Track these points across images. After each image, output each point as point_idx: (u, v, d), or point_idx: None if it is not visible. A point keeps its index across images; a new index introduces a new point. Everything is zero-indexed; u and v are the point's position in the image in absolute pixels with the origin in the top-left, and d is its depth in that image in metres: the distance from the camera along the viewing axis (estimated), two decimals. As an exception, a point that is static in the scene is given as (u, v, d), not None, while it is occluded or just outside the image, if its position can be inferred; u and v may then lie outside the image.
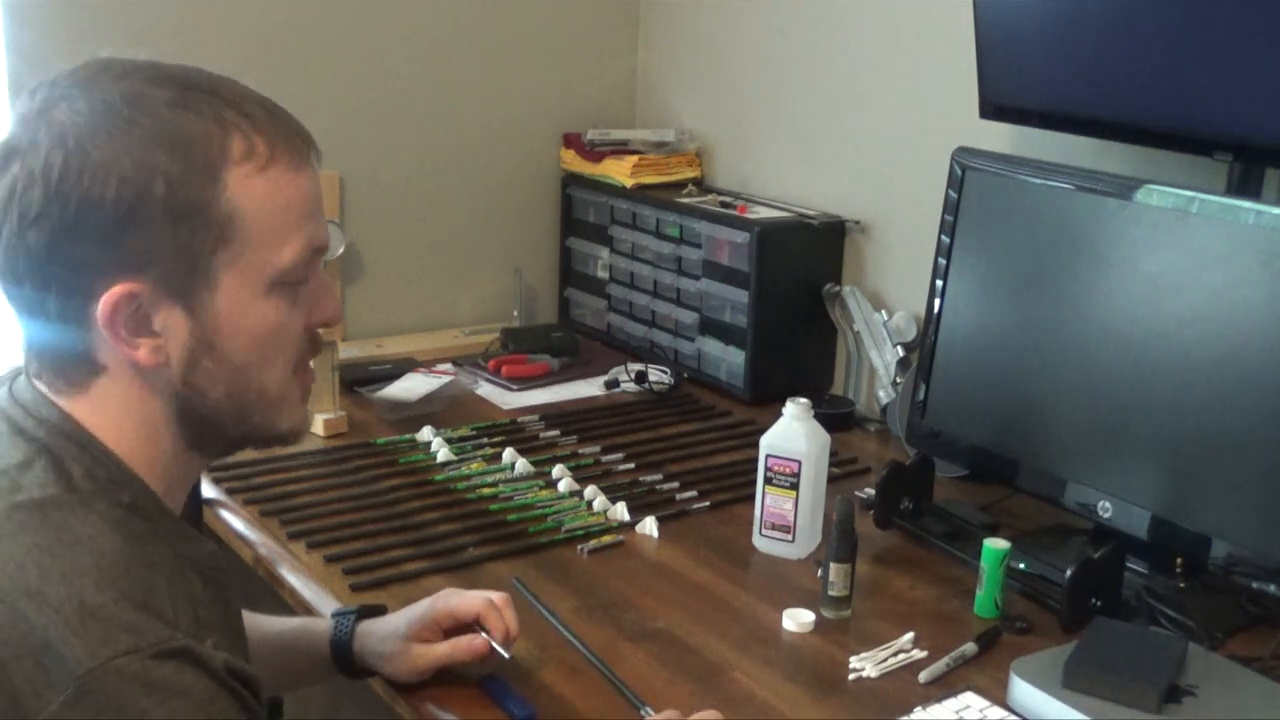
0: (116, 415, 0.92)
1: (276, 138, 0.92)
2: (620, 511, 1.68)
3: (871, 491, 1.70)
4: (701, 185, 2.46)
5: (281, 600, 1.52)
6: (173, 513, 0.96)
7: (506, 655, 1.24)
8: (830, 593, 1.44)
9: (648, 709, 1.22)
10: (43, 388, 0.94)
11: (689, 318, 2.29)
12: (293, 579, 1.50)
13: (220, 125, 0.89)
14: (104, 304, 0.87)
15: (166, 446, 0.95)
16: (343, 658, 1.28)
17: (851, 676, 1.32)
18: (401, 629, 1.27)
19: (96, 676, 0.79)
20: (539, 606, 1.38)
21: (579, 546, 1.59)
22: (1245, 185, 1.56)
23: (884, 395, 2.06)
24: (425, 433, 1.93)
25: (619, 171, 2.41)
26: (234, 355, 0.92)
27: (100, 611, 0.81)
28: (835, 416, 2.03)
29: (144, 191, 0.86)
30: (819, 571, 1.54)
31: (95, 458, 0.91)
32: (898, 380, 2.01)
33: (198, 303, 0.90)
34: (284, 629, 1.33)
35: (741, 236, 2.14)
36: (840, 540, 1.43)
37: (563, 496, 1.74)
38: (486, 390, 2.19)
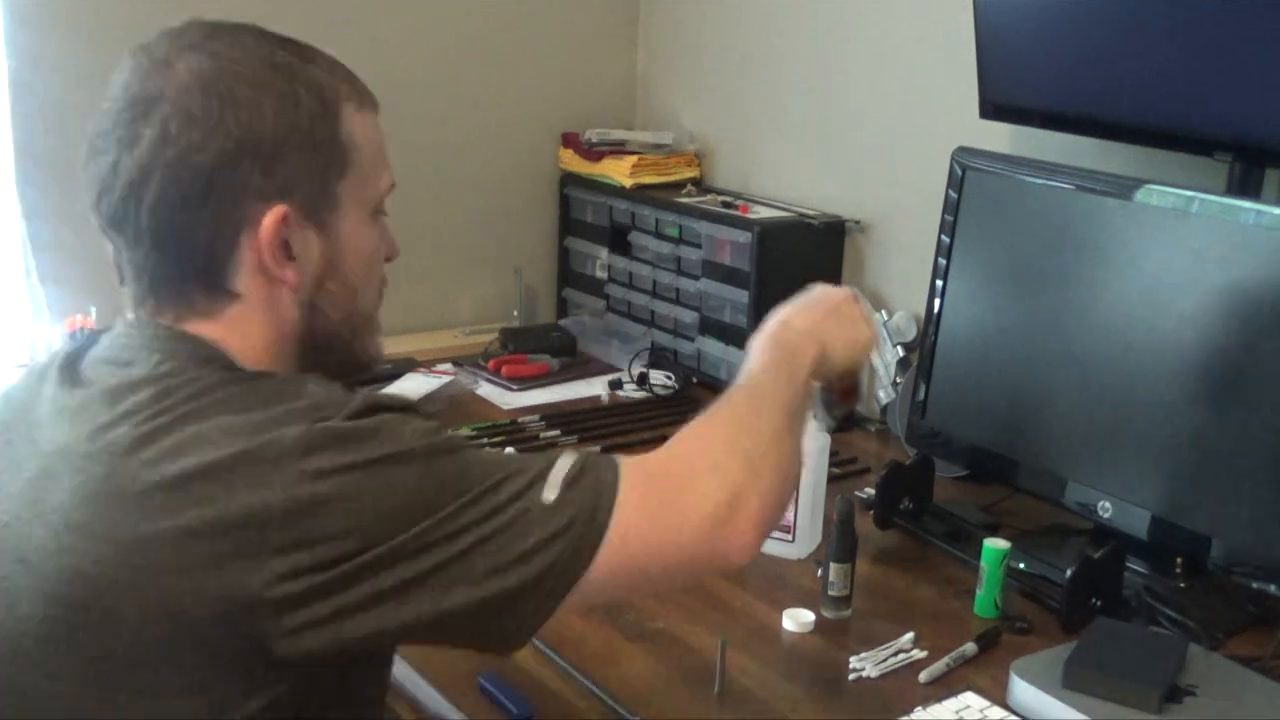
0: (250, 338, 0.98)
1: (362, 87, 1.04)
2: (620, 511, 1.68)
3: (871, 491, 1.70)
4: (700, 185, 2.46)
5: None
6: None
7: None
8: (830, 593, 1.44)
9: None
10: (165, 321, 0.98)
11: (689, 317, 2.29)
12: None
13: (329, 71, 1.00)
14: (266, 227, 0.94)
15: (288, 368, 1.01)
16: None
17: (851, 676, 1.32)
18: None
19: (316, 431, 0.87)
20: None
21: (579, 546, 1.59)
22: (1245, 185, 1.56)
23: (884, 395, 2.06)
24: (425, 433, 1.93)
25: (618, 171, 2.41)
26: (351, 276, 1.03)
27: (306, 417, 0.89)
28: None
29: (293, 122, 0.95)
30: (819, 571, 1.54)
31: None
32: (898, 380, 2.01)
33: (327, 226, 1.00)
34: None
35: (742, 236, 2.14)
36: (840, 540, 1.43)
37: (563, 496, 1.73)
38: (486, 390, 2.19)
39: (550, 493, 0.91)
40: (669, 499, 0.98)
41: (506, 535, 0.88)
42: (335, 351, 1.04)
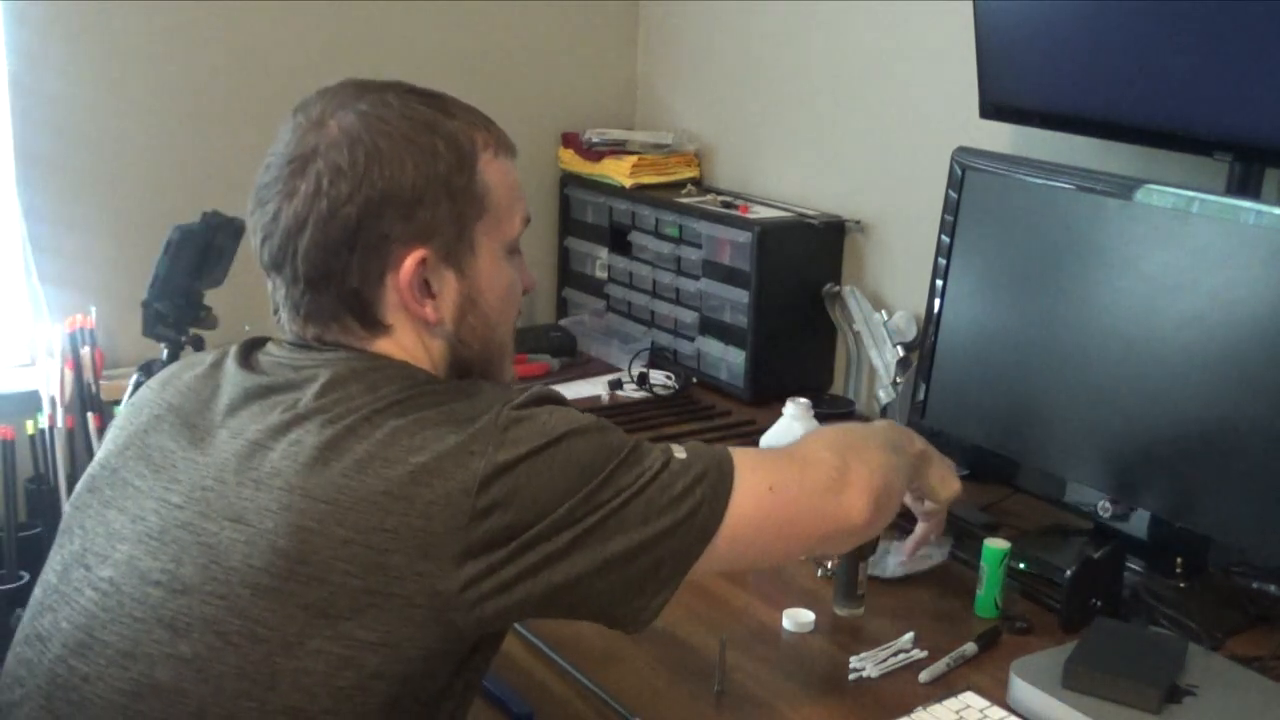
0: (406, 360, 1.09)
1: (500, 135, 1.14)
2: (620, 511, 1.68)
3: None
4: (701, 185, 2.46)
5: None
6: None
7: None
8: (859, 591, 1.44)
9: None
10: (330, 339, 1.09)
11: (689, 317, 2.29)
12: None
13: (468, 123, 1.11)
14: (406, 269, 1.05)
15: None
16: None
17: (851, 676, 1.32)
18: None
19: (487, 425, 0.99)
20: (520, 629, 1.37)
21: (579, 546, 1.59)
22: (1245, 185, 1.56)
23: (884, 395, 2.06)
24: (425, 433, 1.92)
25: (618, 171, 2.41)
26: (489, 311, 1.12)
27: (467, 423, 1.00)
28: (835, 416, 2.03)
29: (431, 173, 1.05)
30: (819, 571, 1.54)
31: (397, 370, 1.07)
32: (898, 380, 2.01)
33: (465, 266, 1.09)
34: None
35: (742, 236, 2.14)
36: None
37: (563, 496, 1.73)
38: (486, 390, 2.18)
39: (681, 453, 1.06)
40: (781, 464, 1.14)
41: (655, 486, 1.02)
42: (475, 376, 1.14)
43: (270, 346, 1.13)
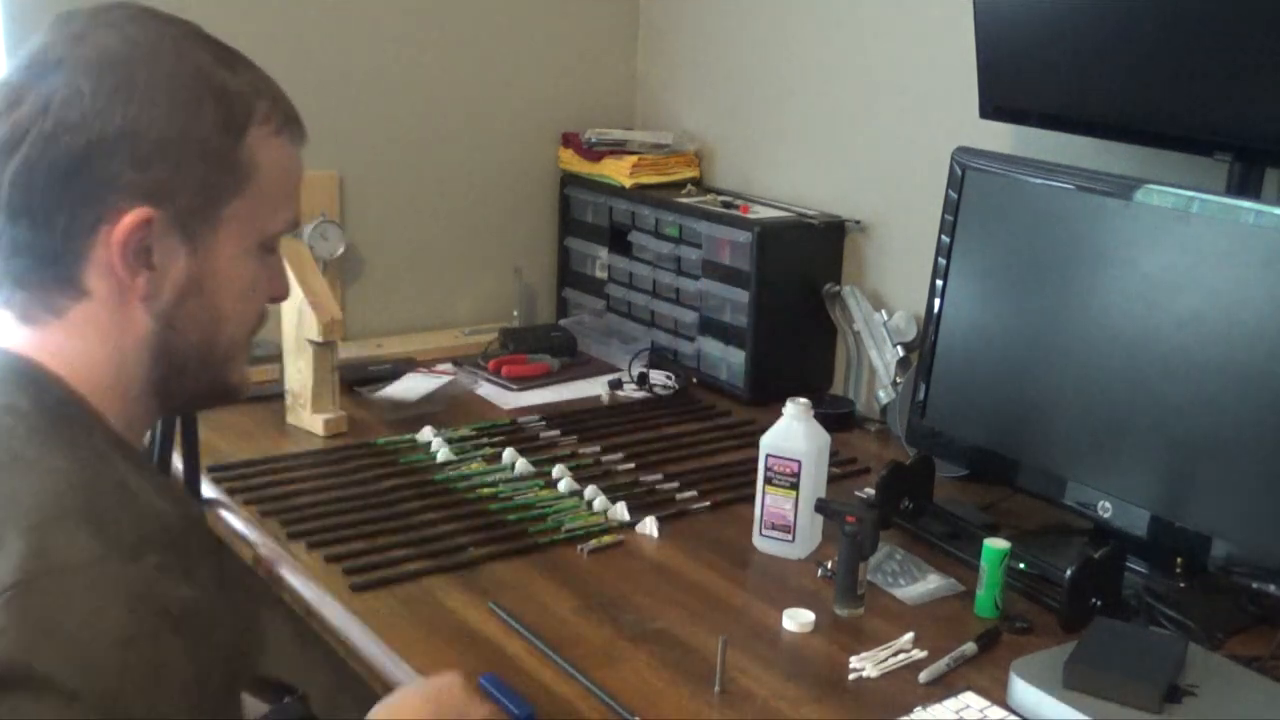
0: (91, 343, 0.94)
1: (289, 113, 0.99)
2: (620, 511, 1.68)
3: (871, 491, 1.70)
4: (700, 185, 2.46)
5: (282, 600, 1.52)
6: (131, 444, 0.96)
7: None
8: (859, 591, 1.44)
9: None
10: (11, 316, 0.95)
11: (689, 317, 2.29)
12: (293, 579, 1.50)
13: (251, 86, 0.96)
14: (122, 226, 0.90)
15: (133, 383, 0.96)
16: None
17: (851, 676, 1.32)
18: None
19: (20, 590, 0.79)
20: (520, 629, 1.38)
21: (579, 546, 1.59)
22: (1245, 185, 1.56)
23: (884, 395, 2.06)
24: (425, 433, 1.93)
25: (618, 171, 2.41)
26: (218, 302, 0.97)
27: (39, 527, 0.81)
28: (835, 416, 2.03)
29: (186, 126, 0.91)
30: (819, 572, 1.54)
31: (43, 389, 0.92)
32: (898, 380, 2.01)
33: (201, 244, 0.94)
34: None
35: (742, 236, 2.14)
36: (869, 538, 1.43)
37: (563, 496, 1.74)
38: (486, 390, 2.19)
39: None
40: None
41: None
42: (189, 375, 0.99)
43: None
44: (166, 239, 0.93)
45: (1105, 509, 1.51)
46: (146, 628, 0.82)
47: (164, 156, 0.91)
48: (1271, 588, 1.36)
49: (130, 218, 0.90)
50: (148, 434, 1.06)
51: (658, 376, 2.26)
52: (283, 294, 1.06)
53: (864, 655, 1.35)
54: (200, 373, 1.00)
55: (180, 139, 0.91)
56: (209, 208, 0.94)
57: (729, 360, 2.21)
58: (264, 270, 1.01)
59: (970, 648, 1.36)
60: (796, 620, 1.41)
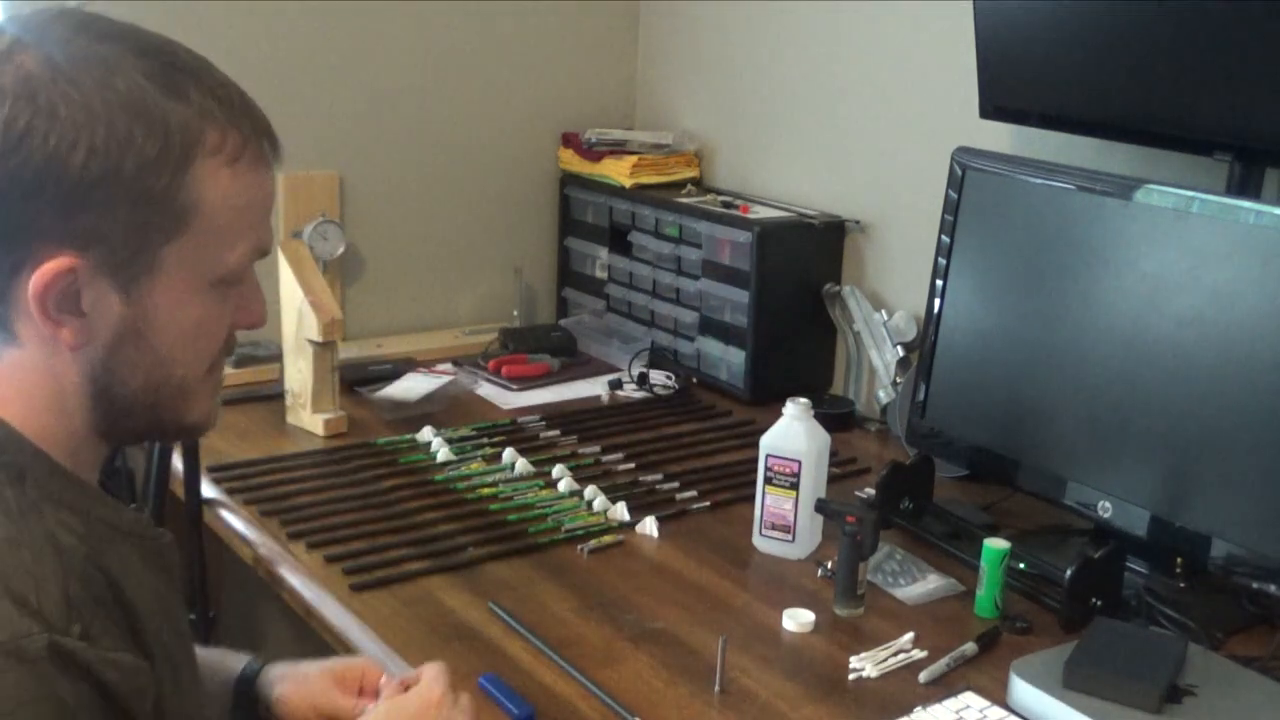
0: (24, 390, 0.88)
1: (249, 133, 0.88)
2: (620, 511, 1.68)
3: (871, 491, 1.70)
4: (700, 185, 2.46)
5: (281, 600, 1.52)
6: (81, 479, 0.91)
7: None
8: (859, 591, 1.44)
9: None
10: None
11: (689, 317, 2.29)
12: (293, 579, 1.50)
13: (199, 112, 0.85)
14: (39, 276, 0.82)
15: (77, 427, 0.90)
16: (246, 690, 1.21)
17: (851, 676, 1.32)
18: (313, 672, 1.21)
19: None
20: (520, 629, 1.38)
21: (579, 546, 1.59)
22: (1245, 185, 1.56)
23: (884, 395, 2.06)
24: (425, 433, 1.93)
25: (618, 171, 2.41)
26: (160, 346, 0.89)
27: None
28: (835, 416, 2.03)
29: (114, 167, 0.81)
30: (819, 572, 1.54)
31: None
32: (898, 380, 2.01)
33: (135, 289, 0.86)
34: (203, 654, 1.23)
35: (742, 236, 2.14)
36: (869, 538, 1.43)
37: (563, 496, 1.74)
38: (486, 390, 2.19)
39: None
40: None
41: None
42: (137, 417, 0.92)
43: None
44: (95, 285, 0.84)
45: (1105, 509, 1.51)
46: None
47: (89, 198, 0.81)
48: (1271, 588, 1.36)
49: (50, 266, 0.82)
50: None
51: (658, 376, 2.26)
52: (256, 321, 0.97)
53: (864, 655, 1.35)
54: (149, 415, 0.92)
55: (108, 178, 0.81)
56: (144, 252, 0.85)
57: (729, 360, 2.21)
58: (221, 306, 0.92)
59: (970, 648, 1.36)
60: (796, 620, 1.41)
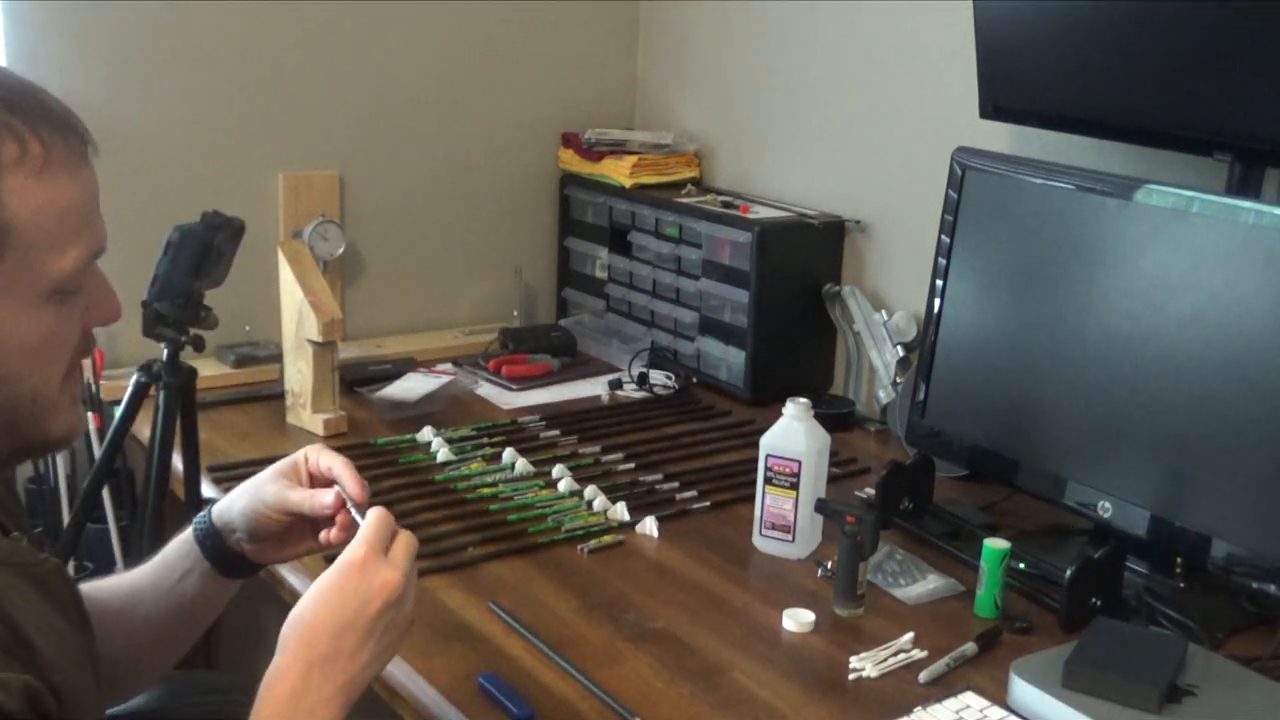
0: None
1: (53, 137, 0.86)
2: (620, 511, 1.68)
3: (871, 491, 1.70)
4: (700, 185, 2.46)
5: (281, 600, 1.52)
6: None
7: (360, 520, 1.07)
8: (859, 591, 1.44)
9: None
10: None
11: (689, 317, 2.29)
12: (292, 579, 1.50)
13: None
14: None
15: None
16: (212, 547, 1.17)
17: (851, 676, 1.32)
18: (261, 478, 1.16)
19: None
20: (520, 629, 1.38)
21: (579, 546, 1.59)
22: (1245, 185, 1.56)
23: (884, 395, 2.06)
24: (425, 433, 1.93)
25: (618, 171, 2.41)
26: (3, 367, 0.87)
27: None
28: (835, 416, 2.03)
29: None
30: (820, 572, 1.54)
31: None
32: (898, 380, 2.01)
33: None
34: (156, 560, 1.21)
35: (742, 236, 2.14)
36: (869, 538, 1.43)
37: (563, 496, 1.74)
38: (486, 390, 2.19)
39: None
40: None
41: None
42: None
43: None
44: None
45: (1105, 509, 1.51)
46: None
47: None
48: (1271, 588, 1.36)
49: None
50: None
51: (658, 376, 2.26)
52: (110, 316, 0.94)
53: (864, 655, 1.35)
54: (10, 434, 0.90)
55: None
56: None
57: (729, 360, 2.21)
58: (65, 314, 0.89)
59: (970, 648, 1.36)
60: (796, 620, 1.41)
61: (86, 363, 2.02)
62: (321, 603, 0.99)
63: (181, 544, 1.20)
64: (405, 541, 1.04)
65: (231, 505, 1.17)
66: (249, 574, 1.22)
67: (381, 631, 0.99)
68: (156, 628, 1.19)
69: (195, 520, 1.19)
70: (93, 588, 1.17)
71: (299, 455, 1.17)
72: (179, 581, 1.19)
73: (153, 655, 1.22)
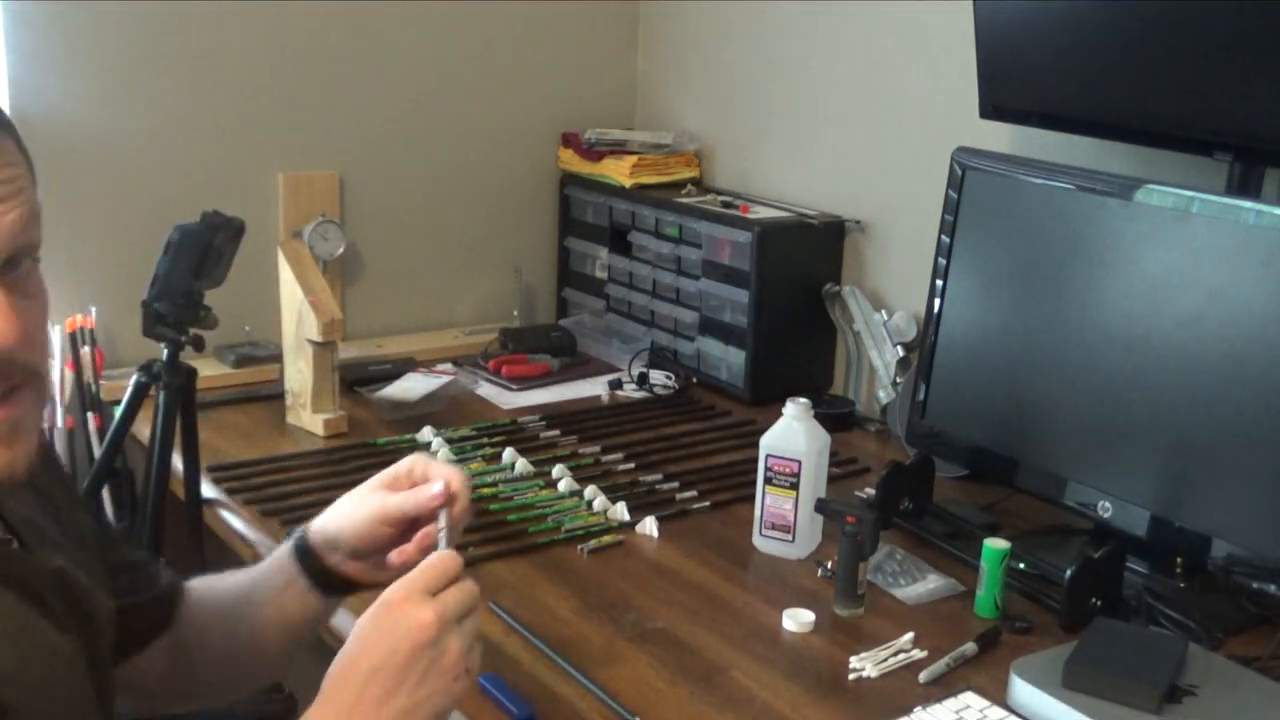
0: None
1: None
2: (620, 511, 1.68)
3: (871, 491, 1.70)
4: (700, 185, 2.46)
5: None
6: None
7: (443, 541, 1.03)
8: (859, 591, 1.44)
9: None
10: None
11: (689, 317, 2.29)
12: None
13: None
14: None
15: None
16: (310, 567, 1.13)
17: (851, 676, 1.32)
18: (358, 491, 1.12)
19: None
20: (520, 629, 1.38)
21: (579, 546, 1.59)
22: (1245, 185, 1.56)
23: (884, 395, 2.06)
24: (425, 433, 1.93)
25: (618, 171, 2.41)
26: None
27: None
28: (835, 416, 2.03)
29: None
30: (820, 572, 1.54)
31: None
32: (898, 380, 2.01)
33: None
34: (251, 573, 1.19)
35: (742, 236, 2.14)
36: (869, 538, 1.43)
37: (563, 496, 1.74)
38: (486, 390, 2.19)
39: None
40: None
41: None
42: None
43: None
44: None
45: (1105, 509, 1.51)
46: None
47: None
48: (1271, 588, 1.36)
49: None
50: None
51: (658, 376, 2.26)
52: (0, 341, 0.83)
53: (864, 655, 1.35)
54: None
55: None
56: None
57: (729, 360, 2.21)
58: None
59: (970, 648, 1.36)
60: (796, 620, 1.41)
61: (86, 363, 2.03)
62: (355, 642, 0.92)
63: (280, 557, 1.16)
64: (459, 588, 0.95)
65: (327, 524, 1.12)
66: (351, 591, 1.16)
67: (417, 680, 0.90)
68: (254, 633, 1.15)
69: (293, 540, 1.14)
70: (205, 585, 1.17)
71: (404, 464, 1.10)
72: (282, 592, 1.15)
73: (246, 664, 1.19)
